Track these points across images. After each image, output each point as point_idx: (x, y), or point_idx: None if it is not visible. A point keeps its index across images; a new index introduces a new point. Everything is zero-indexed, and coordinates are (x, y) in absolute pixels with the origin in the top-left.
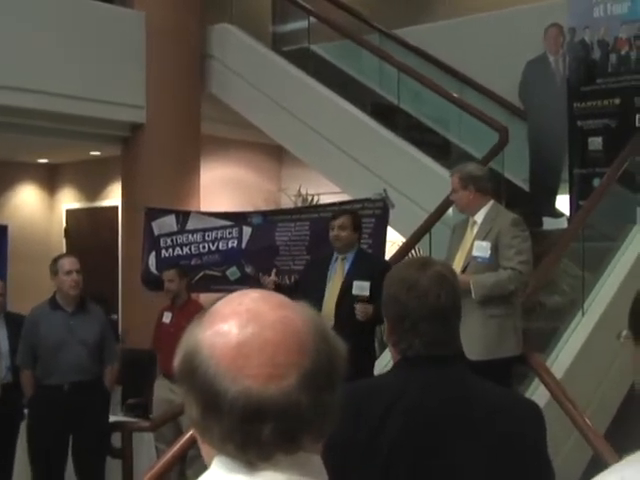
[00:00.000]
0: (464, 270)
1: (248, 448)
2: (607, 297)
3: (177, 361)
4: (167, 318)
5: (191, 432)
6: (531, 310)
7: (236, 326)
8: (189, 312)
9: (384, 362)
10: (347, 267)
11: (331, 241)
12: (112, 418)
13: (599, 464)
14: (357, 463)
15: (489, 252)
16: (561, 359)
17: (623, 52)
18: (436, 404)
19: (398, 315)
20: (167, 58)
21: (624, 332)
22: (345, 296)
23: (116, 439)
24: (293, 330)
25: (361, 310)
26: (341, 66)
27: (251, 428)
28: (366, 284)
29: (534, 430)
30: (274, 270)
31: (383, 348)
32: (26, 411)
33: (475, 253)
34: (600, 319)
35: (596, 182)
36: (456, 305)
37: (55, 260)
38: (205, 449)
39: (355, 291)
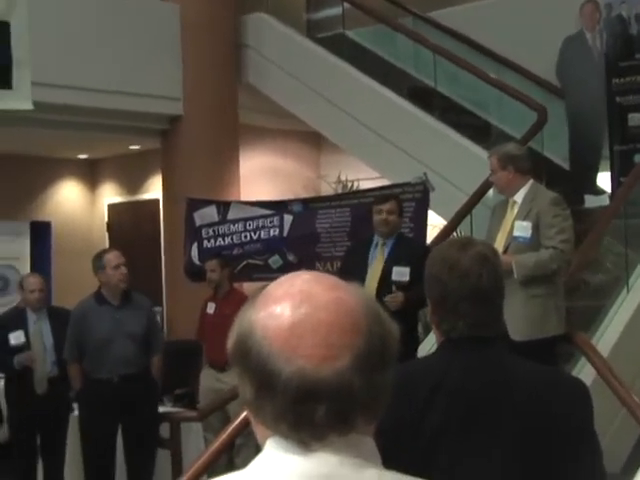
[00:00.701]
0: (505, 251)
1: (301, 428)
2: None
3: (230, 343)
4: (211, 309)
5: (238, 421)
6: (575, 289)
7: (289, 307)
8: (232, 302)
9: (428, 346)
10: (387, 252)
11: (377, 225)
12: (160, 409)
13: None
14: (404, 445)
15: (530, 232)
16: (607, 337)
17: None
18: (478, 387)
19: (440, 296)
20: (203, 49)
21: None
22: (386, 281)
23: (164, 429)
24: (346, 311)
25: (391, 300)
26: (376, 51)
27: (304, 408)
28: (406, 270)
29: (580, 409)
30: None
31: (427, 331)
32: (75, 404)
33: (516, 233)
34: None
35: (637, 158)
36: (498, 285)
37: (99, 256)
38: (259, 430)
39: (395, 277)
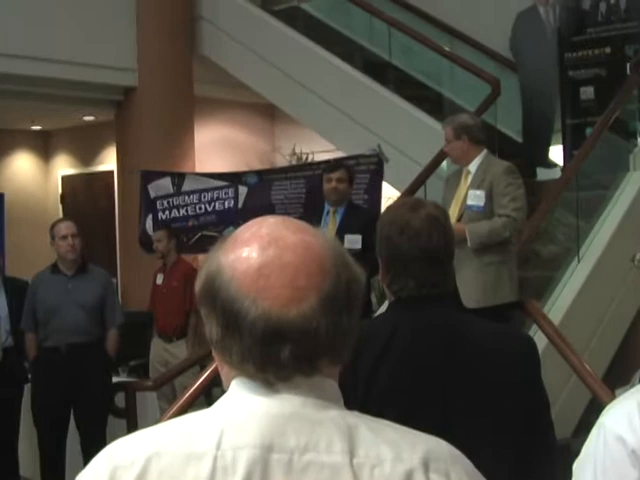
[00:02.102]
0: (459, 220)
1: (267, 369)
2: (602, 244)
3: (199, 284)
4: (160, 280)
5: (192, 390)
6: (526, 259)
7: (257, 249)
8: (178, 272)
9: None
10: (339, 220)
11: (327, 194)
12: (114, 379)
13: (598, 406)
14: (359, 400)
15: (483, 201)
16: (558, 305)
17: (612, 1)
18: (427, 344)
19: (391, 256)
20: (158, 20)
21: (638, 255)
22: None
23: (120, 399)
24: (313, 253)
25: None
26: (331, 23)
27: (270, 349)
28: (357, 237)
29: (527, 362)
30: None
31: (381, 301)
32: (29, 375)
33: (469, 202)
34: (595, 265)
35: (589, 131)
36: (448, 246)
37: (52, 225)
38: (224, 371)
39: (347, 245)
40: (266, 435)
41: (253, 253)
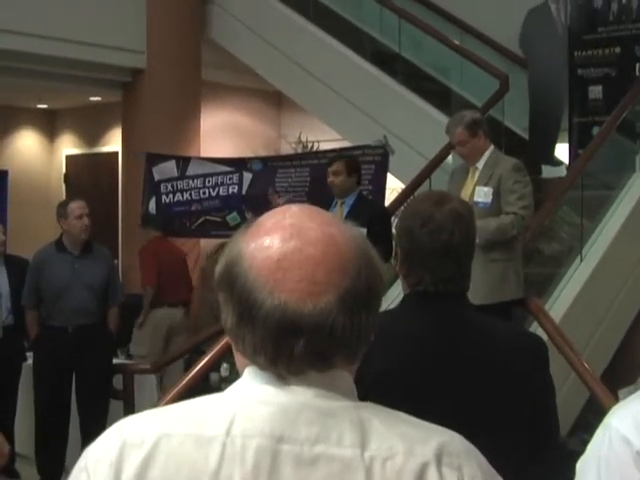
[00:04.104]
0: None
1: (278, 361)
2: (605, 244)
3: (218, 268)
4: None
5: (190, 375)
6: (529, 257)
7: (278, 240)
8: None
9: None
10: (346, 212)
11: (329, 186)
12: (113, 361)
13: (596, 405)
14: (396, 394)
15: (491, 197)
16: (559, 303)
17: (624, 1)
18: (446, 342)
19: (410, 248)
20: (167, 3)
21: None
22: None
23: (117, 381)
24: (336, 249)
25: None
26: (342, 13)
27: (283, 342)
28: (362, 231)
29: (540, 363)
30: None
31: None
32: (29, 354)
33: (477, 199)
34: (598, 265)
35: (595, 131)
36: (469, 243)
37: (64, 204)
38: (238, 358)
39: None
40: (276, 425)
41: (274, 244)
